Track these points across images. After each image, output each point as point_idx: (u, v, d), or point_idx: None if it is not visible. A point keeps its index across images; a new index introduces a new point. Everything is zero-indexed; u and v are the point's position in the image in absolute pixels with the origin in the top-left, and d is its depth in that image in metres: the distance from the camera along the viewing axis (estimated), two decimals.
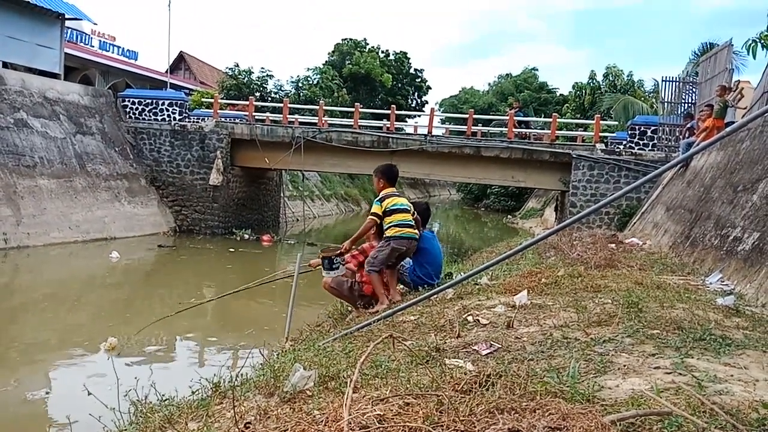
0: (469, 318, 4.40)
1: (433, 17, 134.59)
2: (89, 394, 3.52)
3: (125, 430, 3.17)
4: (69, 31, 25.69)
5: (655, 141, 19.22)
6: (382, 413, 2.29)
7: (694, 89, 17.29)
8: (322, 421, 2.31)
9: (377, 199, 5.96)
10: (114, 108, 22.18)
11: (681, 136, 15.55)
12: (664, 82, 18.65)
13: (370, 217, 5.87)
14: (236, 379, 3.56)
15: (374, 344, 3.02)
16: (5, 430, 6.19)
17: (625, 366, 3.00)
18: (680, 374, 2.83)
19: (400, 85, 46.54)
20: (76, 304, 12.09)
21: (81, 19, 24.17)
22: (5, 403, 6.69)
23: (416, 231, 6.00)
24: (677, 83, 18.48)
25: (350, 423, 2.14)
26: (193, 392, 3.58)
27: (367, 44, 44.97)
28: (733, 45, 14.84)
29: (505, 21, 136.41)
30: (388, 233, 5.85)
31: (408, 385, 2.74)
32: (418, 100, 49.87)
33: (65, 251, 16.42)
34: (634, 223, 14.40)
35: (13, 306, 11.52)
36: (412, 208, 6.12)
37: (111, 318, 10.88)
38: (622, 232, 13.54)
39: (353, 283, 6.05)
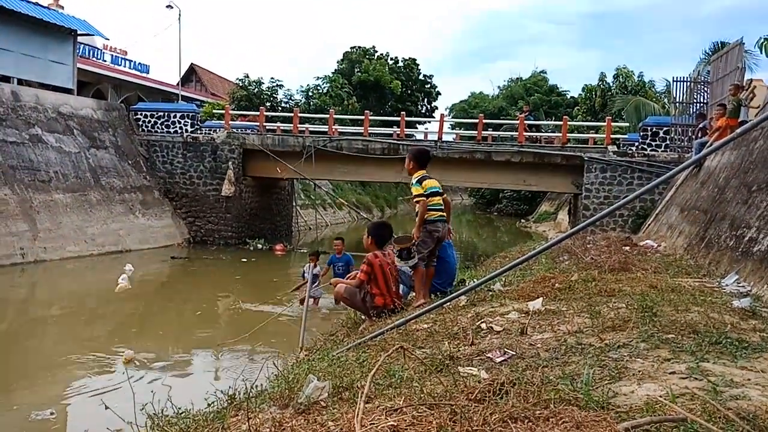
0: (483, 325, 4.39)
1: (440, 22, 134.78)
2: (106, 408, 3.55)
3: None
4: (81, 46, 26.03)
5: (668, 142, 19.10)
6: (395, 424, 2.29)
7: (705, 89, 17.16)
8: None
9: (416, 180, 6.08)
10: (127, 121, 22.42)
11: (694, 137, 15.45)
12: (675, 82, 18.54)
13: (420, 200, 5.99)
14: (251, 391, 3.57)
15: (385, 356, 3.02)
16: None
17: (639, 372, 2.98)
18: (696, 379, 2.81)
19: (409, 91, 46.54)
20: (92, 318, 12.19)
21: (93, 35, 24.47)
22: (12, 423, 6.43)
23: (444, 213, 6.20)
24: (689, 83, 18.36)
25: None
26: (208, 404, 3.60)
27: (376, 52, 45.10)
28: (744, 43, 14.74)
29: (513, 25, 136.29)
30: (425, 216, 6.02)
31: (421, 395, 2.74)
32: (428, 106, 49.84)
33: (81, 265, 16.58)
34: (649, 224, 14.29)
35: (29, 320, 11.64)
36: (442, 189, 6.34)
37: (126, 331, 10.97)
38: (636, 234, 13.46)
39: (365, 294, 6.08)
